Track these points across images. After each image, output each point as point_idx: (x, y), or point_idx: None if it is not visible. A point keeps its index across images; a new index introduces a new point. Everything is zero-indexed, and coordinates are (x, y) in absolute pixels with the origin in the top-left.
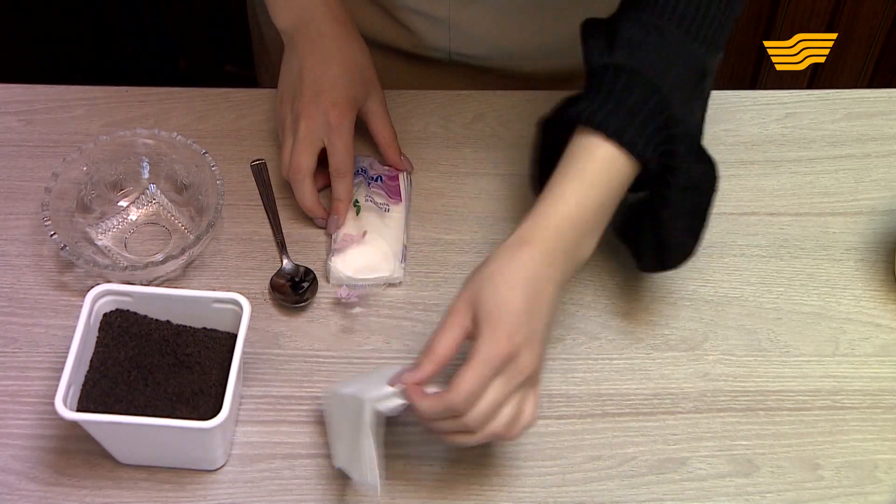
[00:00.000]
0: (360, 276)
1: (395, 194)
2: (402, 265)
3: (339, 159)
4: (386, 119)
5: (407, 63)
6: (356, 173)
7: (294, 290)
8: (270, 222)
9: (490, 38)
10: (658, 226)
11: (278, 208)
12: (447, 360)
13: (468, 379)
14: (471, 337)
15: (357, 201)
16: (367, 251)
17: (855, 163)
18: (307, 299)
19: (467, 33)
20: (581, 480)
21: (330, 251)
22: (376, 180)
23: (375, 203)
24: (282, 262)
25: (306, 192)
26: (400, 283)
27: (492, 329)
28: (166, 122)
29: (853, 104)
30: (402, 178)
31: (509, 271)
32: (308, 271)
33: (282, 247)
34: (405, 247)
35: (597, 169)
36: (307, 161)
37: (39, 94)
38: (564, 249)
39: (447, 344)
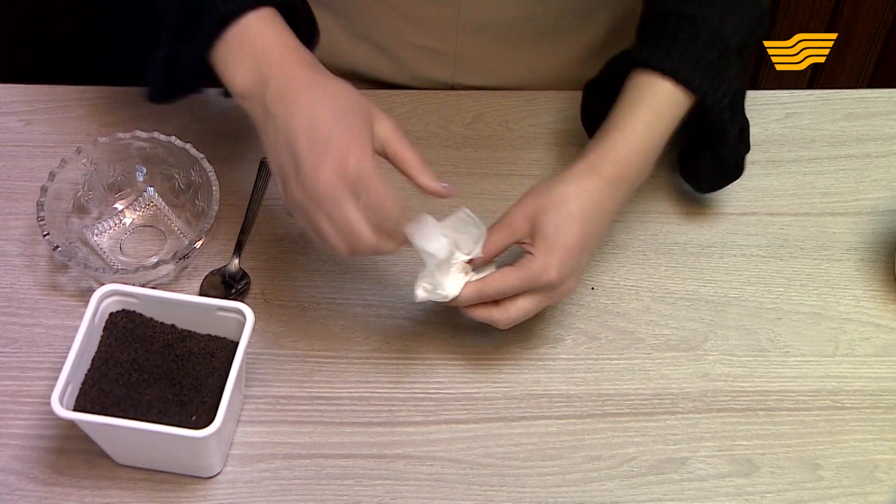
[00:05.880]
0: None
1: None
2: None
3: (378, 212)
4: (403, 141)
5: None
6: None
7: (225, 290)
8: (245, 220)
9: (495, 68)
10: (717, 154)
11: (259, 211)
12: (493, 257)
13: (507, 282)
14: (521, 244)
15: None
16: None
17: (855, 163)
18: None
19: (472, 64)
20: (581, 480)
21: None
22: None
23: None
24: (231, 262)
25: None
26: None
27: (545, 255)
28: (166, 123)
29: (853, 104)
30: None
31: (574, 202)
32: (245, 275)
33: (238, 248)
34: None
35: (662, 101)
36: (364, 233)
37: (39, 94)
38: (628, 179)
39: (497, 247)
